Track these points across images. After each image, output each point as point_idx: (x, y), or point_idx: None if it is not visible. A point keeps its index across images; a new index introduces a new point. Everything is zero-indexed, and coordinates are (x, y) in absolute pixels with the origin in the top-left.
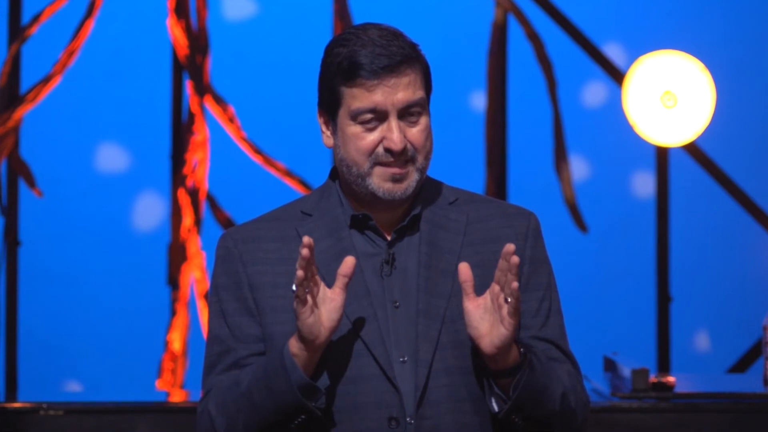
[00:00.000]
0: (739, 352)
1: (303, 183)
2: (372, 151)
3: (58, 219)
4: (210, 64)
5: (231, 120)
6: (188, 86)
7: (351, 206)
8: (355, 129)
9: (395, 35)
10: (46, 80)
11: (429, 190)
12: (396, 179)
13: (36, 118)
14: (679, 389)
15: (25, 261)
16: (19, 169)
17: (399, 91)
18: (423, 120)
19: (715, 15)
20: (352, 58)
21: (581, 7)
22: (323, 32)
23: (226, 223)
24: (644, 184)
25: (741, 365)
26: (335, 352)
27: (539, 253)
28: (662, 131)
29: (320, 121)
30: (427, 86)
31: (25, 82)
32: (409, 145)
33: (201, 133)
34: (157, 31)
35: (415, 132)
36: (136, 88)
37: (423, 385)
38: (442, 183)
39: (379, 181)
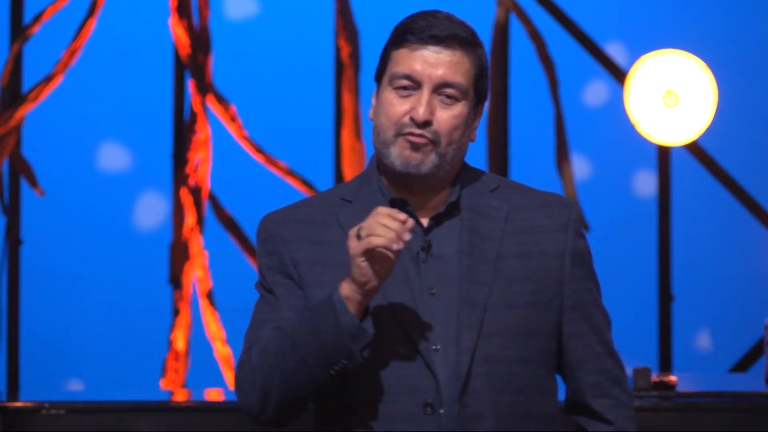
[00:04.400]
0: (741, 351)
1: (304, 182)
2: (399, 120)
3: (59, 218)
4: (212, 63)
5: (233, 119)
6: (190, 85)
7: (390, 191)
8: (389, 95)
9: (461, 23)
10: (48, 79)
11: (469, 176)
12: (414, 146)
13: (38, 117)
14: (680, 388)
15: (27, 260)
16: (21, 168)
17: (440, 66)
18: (458, 107)
19: (717, 14)
20: (408, 24)
21: (583, 6)
22: (325, 32)
23: (228, 222)
24: (646, 183)
25: (742, 364)
26: (377, 335)
27: (581, 244)
28: (664, 130)
29: (373, 94)
30: (477, 83)
31: (27, 81)
32: (435, 124)
33: (203, 132)
34: (159, 30)
35: (446, 115)
36: (138, 88)
37: (465, 373)
38: (482, 170)
39: (399, 150)
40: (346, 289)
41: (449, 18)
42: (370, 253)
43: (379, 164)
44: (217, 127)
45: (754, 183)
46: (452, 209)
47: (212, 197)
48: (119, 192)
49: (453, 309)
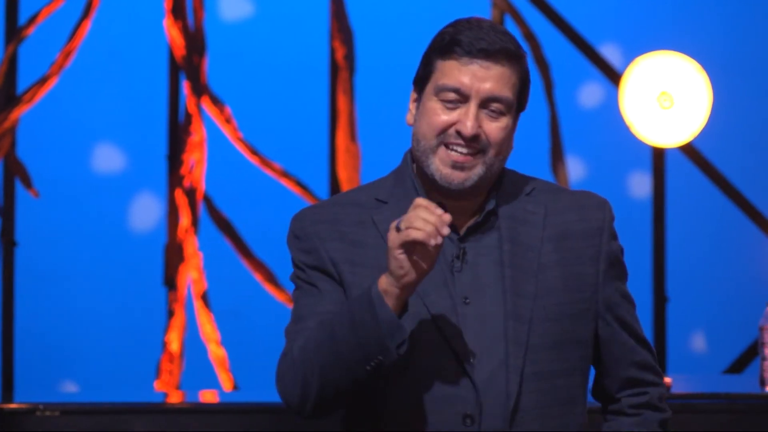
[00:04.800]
0: (736, 353)
1: (299, 184)
2: (443, 131)
3: (54, 220)
4: (207, 64)
5: (228, 121)
6: (185, 87)
7: (425, 194)
8: (434, 105)
9: (506, 33)
10: (43, 81)
11: (505, 181)
12: (457, 166)
13: (33, 118)
14: (675, 390)
15: (21, 262)
16: (15, 170)
17: (488, 80)
18: (504, 120)
19: (712, 16)
20: (455, 35)
21: (578, 7)
22: (320, 33)
23: (223, 223)
24: (641, 185)
25: (737, 366)
26: (415, 341)
27: (615, 246)
28: (659, 132)
29: (411, 98)
30: (521, 94)
31: (22, 82)
32: (483, 136)
33: (198, 133)
34: (154, 31)
35: (493, 126)
36: (133, 89)
37: (516, 391)
38: (515, 172)
39: (440, 164)
40: (384, 282)
41: (494, 28)
42: (409, 246)
43: (418, 168)
44: (212, 128)
45: (748, 185)
46: (489, 216)
47: (207, 199)
48: (114, 193)
49: (491, 321)
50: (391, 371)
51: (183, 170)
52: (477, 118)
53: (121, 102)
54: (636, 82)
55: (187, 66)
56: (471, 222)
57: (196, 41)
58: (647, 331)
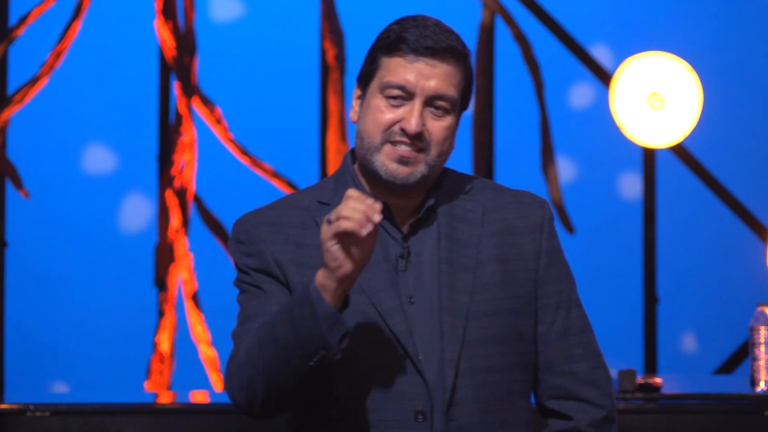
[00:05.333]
0: (726, 353)
1: (290, 184)
2: (387, 128)
3: (45, 220)
4: (197, 65)
5: (218, 121)
6: (176, 87)
7: (368, 193)
8: (379, 102)
9: (450, 31)
10: (34, 81)
11: (445, 179)
12: (402, 161)
13: (23, 119)
14: (666, 390)
15: (12, 262)
16: (6, 170)
17: (433, 78)
18: (448, 119)
19: (702, 16)
20: (401, 33)
21: (569, 8)
22: (310, 34)
23: (214, 224)
24: (631, 186)
25: (728, 366)
26: (365, 340)
27: (555, 244)
28: (649, 132)
29: (354, 95)
30: (464, 93)
31: (12, 83)
32: (426, 134)
33: (188, 134)
34: (145, 32)
35: (437, 126)
36: (124, 90)
37: (451, 385)
38: (455, 171)
39: (386, 159)
40: (321, 276)
41: (439, 26)
42: (341, 237)
43: (361, 167)
44: (202, 129)
45: (738, 185)
46: (429, 213)
47: (197, 199)
48: (104, 194)
49: (432, 318)
50: (336, 366)
51: (173, 171)
52: (421, 116)
53: (111, 102)
54: (626, 82)
55: (178, 67)
56: (412, 219)
57: (186, 42)
58: (638, 331)
